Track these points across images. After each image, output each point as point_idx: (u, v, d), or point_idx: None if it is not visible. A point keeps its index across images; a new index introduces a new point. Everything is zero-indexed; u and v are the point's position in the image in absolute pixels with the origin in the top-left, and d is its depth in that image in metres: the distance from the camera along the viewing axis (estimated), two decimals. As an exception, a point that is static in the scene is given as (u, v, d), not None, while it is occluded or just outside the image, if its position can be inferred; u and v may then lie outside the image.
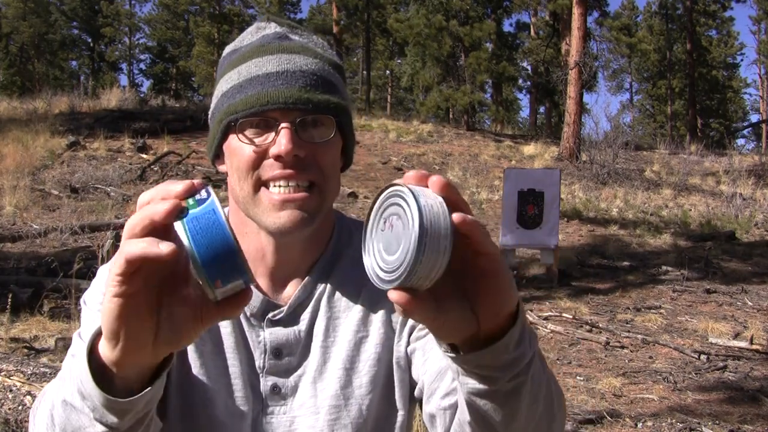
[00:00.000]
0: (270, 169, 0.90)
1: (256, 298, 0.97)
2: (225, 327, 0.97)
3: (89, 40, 45.88)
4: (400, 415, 0.99)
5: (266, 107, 0.89)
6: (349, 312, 1.00)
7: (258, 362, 0.97)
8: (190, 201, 0.63)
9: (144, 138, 14.48)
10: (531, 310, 7.04)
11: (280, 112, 0.90)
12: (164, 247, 0.59)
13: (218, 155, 0.99)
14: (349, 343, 0.98)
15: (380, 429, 0.98)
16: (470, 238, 0.62)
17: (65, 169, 12.43)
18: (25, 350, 4.97)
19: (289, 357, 0.97)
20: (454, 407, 0.86)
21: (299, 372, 0.97)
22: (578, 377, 5.11)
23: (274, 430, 0.96)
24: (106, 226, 8.93)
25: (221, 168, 0.99)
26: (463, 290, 0.66)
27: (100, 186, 11.50)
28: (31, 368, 3.46)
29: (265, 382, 0.97)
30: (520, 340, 0.70)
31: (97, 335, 0.69)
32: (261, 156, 0.91)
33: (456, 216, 0.61)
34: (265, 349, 0.97)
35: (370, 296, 0.99)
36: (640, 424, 4.18)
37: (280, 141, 0.89)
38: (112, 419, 0.69)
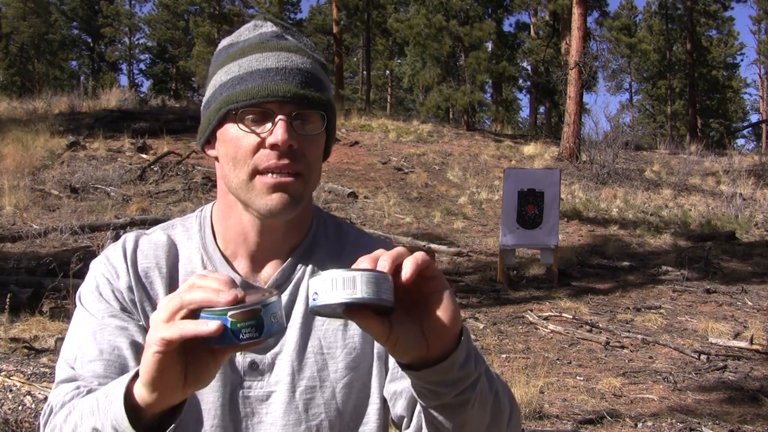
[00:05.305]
0: (266, 158, 0.97)
1: (235, 279, 1.03)
2: None
3: (89, 40, 45.85)
4: (376, 404, 1.05)
5: (266, 99, 0.96)
6: None
7: None
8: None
9: (144, 138, 14.46)
10: (531, 310, 7.04)
11: (277, 105, 0.97)
12: (213, 326, 0.71)
13: (209, 141, 1.05)
14: (328, 330, 1.04)
15: (359, 415, 1.04)
16: (420, 273, 0.76)
17: (65, 169, 12.41)
18: (25, 350, 4.98)
19: None
20: (398, 395, 1.02)
21: (276, 350, 1.03)
22: (578, 377, 5.10)
23: (251, 402, 1.02)
24: (106, 226, 8.92)
25: (210, 153, 1.06)
26: (415, 316, 0.79)
27: (100, 186, 11.50)
28: (31, 368, 3.46)
29: (244, 359, 1.02)
30: (466, 362, 0.82)
31: (131, 380, 0.80)
32: (258, 145, 0.98)
33: (402, 277, 0.75)
34: None
35: None
36: (640, 424, 4.18)
37: (277, 131, 0.96)
38: None
